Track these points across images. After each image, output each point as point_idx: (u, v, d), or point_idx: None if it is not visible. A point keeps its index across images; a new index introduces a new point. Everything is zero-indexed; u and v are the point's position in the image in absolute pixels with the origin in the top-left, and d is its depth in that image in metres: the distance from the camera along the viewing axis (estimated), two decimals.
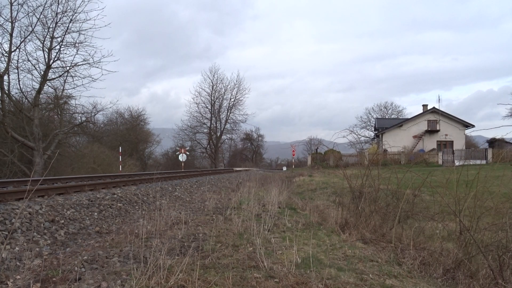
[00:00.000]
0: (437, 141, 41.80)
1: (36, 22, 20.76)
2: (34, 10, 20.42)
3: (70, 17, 21.57)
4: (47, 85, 23.11)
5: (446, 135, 41.44)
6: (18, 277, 3.91)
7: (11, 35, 20.41)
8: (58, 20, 21.43)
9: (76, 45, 22.05)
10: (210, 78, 59.41)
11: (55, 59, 22.17)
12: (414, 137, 41.91)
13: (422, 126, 41.95)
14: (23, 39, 20.73)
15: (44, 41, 21.50)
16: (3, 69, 20.43)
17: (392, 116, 62.73)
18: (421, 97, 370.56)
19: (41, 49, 21.67)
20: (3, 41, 22.36)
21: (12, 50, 20.55)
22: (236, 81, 61.68)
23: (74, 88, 23.79)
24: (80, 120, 28.16)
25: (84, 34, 21.84)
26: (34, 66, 21.89)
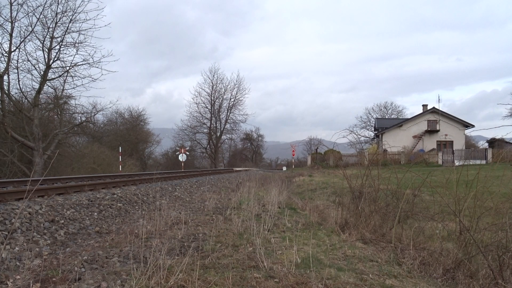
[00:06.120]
0: (437, 141, 41.80)
1: (36, 22, 20.81)
2: (34, 10, 20.47)
3: (70, 17, 21.62)
4: (47, 85, 23.14)
5: (446, 135, 41.44)
6: (18, 277, 3.90)
7: (11, 35, 20.44)
8: (58, 20, 21.47)
9: (76, 45, 22.09)
10: (210, 78, 59.49)
11: (55, 59, 22.20)
12: (414, 137, 41.91)
13: (422, 126, 41.96)
14: (23, 39, 20.78)
15: (44, 41, 21.54)
16: (3, 69, 20.47)
17: (392, 116, 62.74)
18: (424, 97, 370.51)
19: (41, 49, 21.71)
20: (3, 41, 22.35)
21: (12, 50, 20.58)
22: (236, 81, 61.75)
23: (74, 88, 23.85)
24: (80, 120, 28.16)
25: (84, 34, 21.88)
26: (34, 66, 21.93)
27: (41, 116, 24.69)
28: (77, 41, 22.00)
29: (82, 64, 22.54)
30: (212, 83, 58.74)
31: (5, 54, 20.41)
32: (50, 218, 6.58)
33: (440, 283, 4.66)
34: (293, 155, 48.27)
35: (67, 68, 22.56)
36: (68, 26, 21.70)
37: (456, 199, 5.79)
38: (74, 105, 27.36)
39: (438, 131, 41.60)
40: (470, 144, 45.88)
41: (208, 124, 58.91)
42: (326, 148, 37.63)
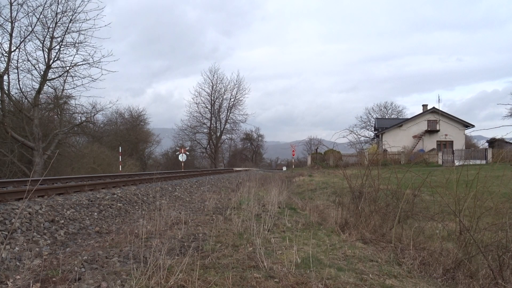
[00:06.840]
0: (437, 141, 41.79)
1: (36, 22, 20.80)
2: (34, 10, 20.46)
3: (70, 17, 21.62)
4: (47, 85, 23.13)
5: (446, 135, 41.43)
6: (18, 277, 3.91)
7: (11, 35, 20.44)
8: (58, 20, 21.46)
9: (76, 45, 22.09)
10: (210, 78, 59.51)
11: (55, 59, 22.20)
12: (414, 137, 41.90)
13: (422, 126, 41.95)
14: (23, 39, 20.77)
15: (44, 41, 21.53)
16: (3, 69, 20.46)
17: (392, 116, 62.75)
18: (424, 97, 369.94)
19: (41, 49, 21.70)
20: (3, 41, 22.41)
21: (12, 50, 20.58)
22: (236, 81, 61.79)
23: (74, 88, 23.84)
24: (80, 120, 28.15)
25: (84, 34, 21.88)
26: (34, 66, 21.91)
27: (41, 116, 24.69)
28: (77, 41, 22.03)
29: (82, 64, 22.57)
30: (212, 83, 58.82)
31: (5, 54, 20.42)
32: (50, 218, 6.58)
33: (440, 283, 4.66)
34: (293, 155, 48.26)
35: (67, 68, 22.58)
36: (68, 26, 21.73)
37: (456, 199, 5.79)
38: (74, 105, 27.37)
39: (438, 131, 41.59)
40: (470, 144, 45.87)
41: (208, 124, 58.97)
42: (326, 148, 37.64)
